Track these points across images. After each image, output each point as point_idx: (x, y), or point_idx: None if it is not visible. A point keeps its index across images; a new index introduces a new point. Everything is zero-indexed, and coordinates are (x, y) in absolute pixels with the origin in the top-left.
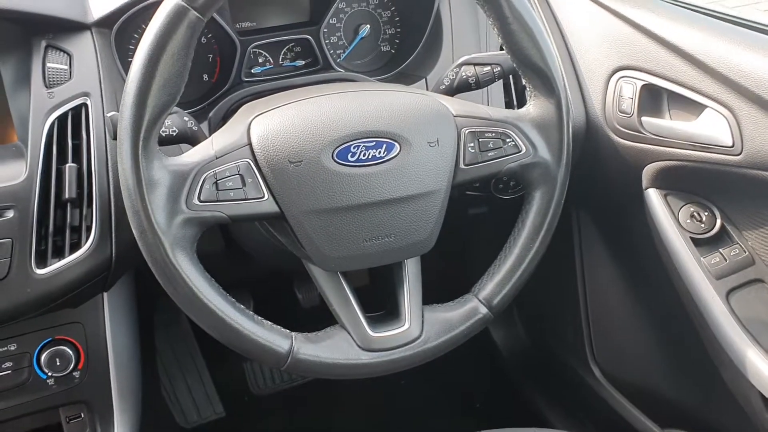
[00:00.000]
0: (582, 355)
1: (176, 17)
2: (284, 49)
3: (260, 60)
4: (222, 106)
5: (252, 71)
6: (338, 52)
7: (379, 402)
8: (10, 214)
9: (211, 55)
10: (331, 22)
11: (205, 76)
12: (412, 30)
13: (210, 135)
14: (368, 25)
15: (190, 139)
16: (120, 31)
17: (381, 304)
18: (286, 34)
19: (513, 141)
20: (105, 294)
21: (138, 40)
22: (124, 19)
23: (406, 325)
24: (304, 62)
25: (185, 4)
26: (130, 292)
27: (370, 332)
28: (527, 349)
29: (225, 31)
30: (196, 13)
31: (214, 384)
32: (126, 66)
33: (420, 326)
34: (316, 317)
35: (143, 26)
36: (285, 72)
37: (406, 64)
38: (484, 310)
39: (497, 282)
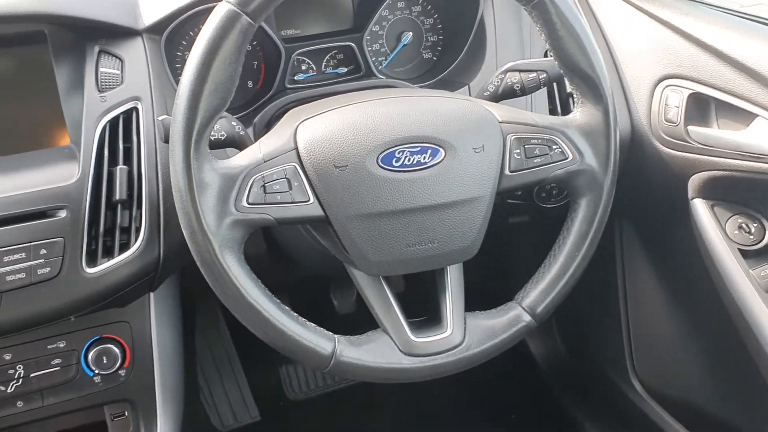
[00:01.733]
0: (622, 368)
1: (229, 22)
2: (327, 57)
3: (303, 67)
4: (266, 112)
5: (295, 78)
6: (380, 59)
7: (413, 410)
8: (62, 214)
9: (256, 62)
10: (373, 29)
11: (250, 83)
12: (454, 37)
13: (254, 140)
14: (411, 33)
15: (238, 143)
16: (169, 37)
17: (417, 309)
18: (329, 42)
19: (559, 148)
20: (152, 294)
21: (186, 47)
22: (173, 26)
23: (449, 332)
24: (346, 69)
25: (238, 10)
26: (175, 294)
27: (412, 337)
28: (565, 361)
29: (270, 39)
30: (248, 18)
31: (250, 388)
32: (174, 71)
33: (462, 333)
34: (350, 323)
35: (191, 33)
36: (327, 79)
37: (448, 71)
38: (527, 318)
39: (541, 290)
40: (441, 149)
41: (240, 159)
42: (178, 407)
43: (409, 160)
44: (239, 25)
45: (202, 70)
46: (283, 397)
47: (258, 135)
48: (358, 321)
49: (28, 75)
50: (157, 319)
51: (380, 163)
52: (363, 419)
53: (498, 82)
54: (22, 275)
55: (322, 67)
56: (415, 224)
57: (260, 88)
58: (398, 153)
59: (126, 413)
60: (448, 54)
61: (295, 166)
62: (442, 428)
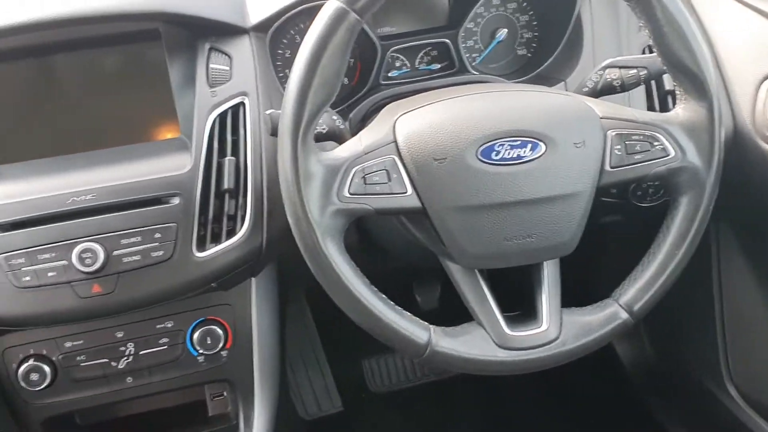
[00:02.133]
0: (717, 372)
1: (337, 19)
2: (421, 53)
3: (397, 64)
4: (361, 108)
5: (389, 75)
6: (474, 55)
7: (493, 409)
8: (176, 201)
9: (353, 60)
10: (468, 26)
11: (346, 80)
12: (549, 34)
13: (350, 135)
14: (505, 29)
15: (337, 136)
16: (274, 36)
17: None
18: (424, 39)
19: (661, 144)
20: (253, 279)
21: (287, 45)
22: (278, 24)
23: (544, 326)
24: (440, 66)
25: (346, 7)
26: (273, 281)
27: (507, 331)
28: (653, 363)
29: (367, 36)
30: (355, 15)
31: (333, 378)
32: (276, 69)
33: (558, 328)
34: (432, 319)
35: (291, 32)
36: (421, 75)
37: (543, 67)
38: (624, 315)
39: (639, 288)
40: (541, 143)
41: (342, 151)
42: (274, 390)
43: (509, 153)
44: (347, 22)
45: (311, 65)
46: (366, 389)
47: (353, 130)
48: (441, 317)
49: (142, 70)
50: (257, 303)
51: (480, 157)
52: (444, 416)
53: (597, 78)
54: (137, 257)
55: (416, 63)
56: (514, 218)
57: (355, 84)
58: (498, 146)
59: (224, 393)
60: (542, 50)
61: (394, 159)
62: (521, 428)
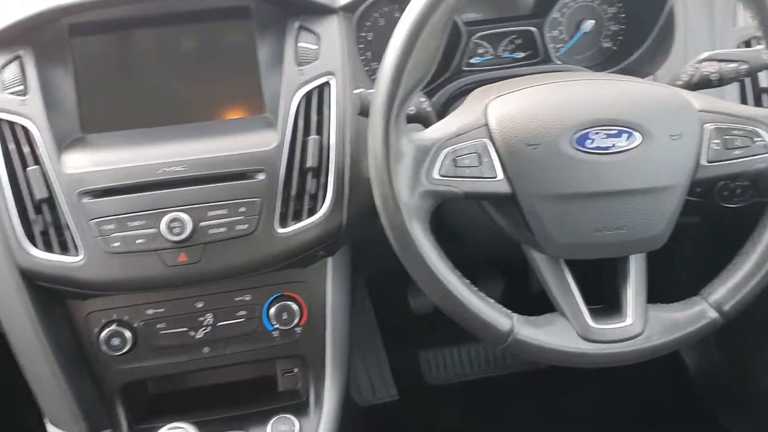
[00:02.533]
0: None
1: None
2: (505, 41)
3: (480, 51)
4: (444, 93)
5: (471, 61)
6: (558, 46)
7: (550, 409)
8: (261, 176)
9: None
10: (554, 15)
11: None
12: (638, 27)
13: (435, 119)
14: (592, 21)
15: (423, 119)
16: (359, 17)
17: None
18: (509, 26)
19: (763, 140)
20: (330, 259)
21: (369, 28)
22: (365, 6)
23: (629, 321)
24: (523, 54)
25: None
26: (348, 262)
27: (591, 323)
28: (723, 374)
29: (453, 21)
30: None
31: (390, 367)
32: (359, 50)
33: (643, 323)
34: None
35: (376, 14)
36: (503, 63)
37: (629, 60)
38: (713, 314)
39: (731, 287)
40: (637, 134)
41: (433, 132)
42: (344, 369)
43: (603, 142)
44: (446, 2)
45: (409, 43)
46: (422, 380)
47: (437, 115)
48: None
49: (231, 47)
50: (332, 283)
51: (574, 144)
52: (499, 412)
53: (693, 71)
54: (223, 229)
55: (499, 51)
56: (605, 209)
57: (438, 69)
58: (593, 134)
59: (295, 370)
60: (629, 43)
61: (485, 142)
62: (580, 427)
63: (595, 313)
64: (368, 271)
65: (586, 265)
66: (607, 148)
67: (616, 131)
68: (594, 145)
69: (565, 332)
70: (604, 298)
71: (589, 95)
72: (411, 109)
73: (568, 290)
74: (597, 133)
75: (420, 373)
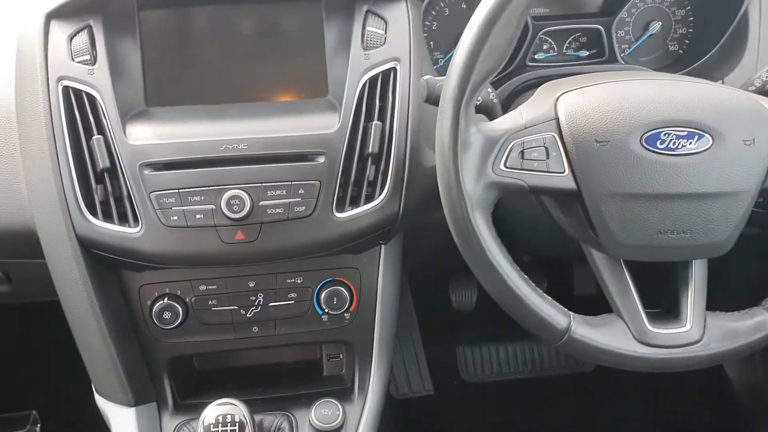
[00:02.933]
0: None
1: None
2: (570, 38)
3: (545, 47)
4: (507, 86)
5: (535, 56)
6: (623, 46)
7: (586, 413)
8: (321, 159)
9: None
10: (622, 15)
11: None
12: (707, 31)
13: (501, 112)
14: (659, 23)
15: (489, 111)
16: (427, 5)
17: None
18: (576, 23)
19: None
20: (383, 246)
21: (435, 17)
22: None
23: (687, 326)
24: (588, 53)
25: None
26: (399, 252)
27: (648, 326)
28: (765, 392)
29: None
30: None
31: (427, 362)
32: (425, 38)
33: (701, 330)
34: None
35: (442, 3)
36: (567, 60)
37: (697, 64)
38: None
39: None
40: (709, 136)
41: (502, 123)
42: (390, 358)
43: (674, 143)
44: None
45: (484, 30)
46: (458, 376)
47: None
48: None
49: (298, 29)
50: (384, 271)
51: (644, 143)
52: (534, 413)
53: (767, 77)
54: (281, 210)
55: (564, 48)
56: (671, 211)
57: None
58: (664, 135)
59: (341, 356)
60: (696, 47)
61: (554, 136)
62: None
63: (653, 317)
64: (411, 264)
65: (646, 268)
66: (677, 149)
67: (686, 132)
68: (664, 145)
69: (621, 334)
70: (663, 302)
71: (661, 95)
72: (478, 100)
73: (627, 292)
74: (668, 134)
75: (456, 369)
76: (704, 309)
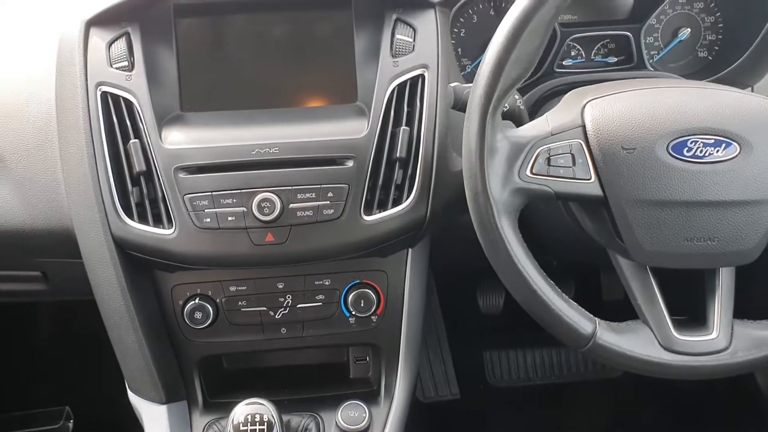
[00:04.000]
0: None
1: None
2: (598, 45)
3: (572, 53)
4: (534, 93)
5: (563, 63)
6: (652, 52)
7: (615, 418)
8: (350, 163)
9: None
10: (651, 22)
11: None
12: (737, 38)
13: (528, 118)
14: (688, 29)
15: (516, 117)
16: (455, 13)
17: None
18: (604, 30)
19: None
20: (410, 250)
21: (462, 24)
22: (462, 2)
23: (714, 334)
24: (616, 59)
25: None
26: (426, 255)
27: (674, 334)
28: None
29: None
30: None
31: (453, 365)
32: (452, 45)
33: (728, 338)
34: None
35: (470, 11)
36: (595, 67)
37: (726, 71)
38: None
39: None
40: (736, 144)
41: (528, 129)
42: (416, 361)
43: (701, 151)
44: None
45: (512, 38)
46: (484, 380)
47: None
48: None
49: (328, 36)
50: (411, 274)
51: (670, 151)
52: (559, 420)
53: None
54: (310, 213)
55: (592, 54)
56: (698, 219)
57: None
58: (690, 143)
59: (367, 358)
60: (725, 54)
61: (580, 143)
62: None
63: (679, 324)
64: (438, 266)
65: (672, 275)
66: (703, 157)
67: (713, 140)
68: (691, 153)
69: (647, 341)
70: (689, 310)
71: (688, 103)
72: (505, 106)
73: (653, 299)
74: (695, 142)
75: (483, 373)
76: (731, 317)
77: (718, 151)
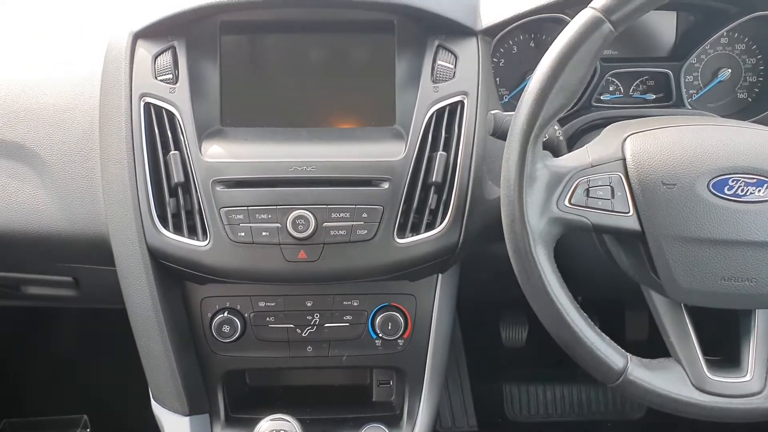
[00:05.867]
0: None
1: (591, 27)
2: (637, 81)
3: (611, 88)
4: (572, 125)
5: (601, 97)
6: (691, 91)
7: None
8: (385, 185)
9: None
10: (691, 61)
11: None
12: None
13: (566, 150)
14: (729, 70)
15: (554, 148)
16: (496, 42)
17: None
18: (644, 66)
19: None
20: (440, 276)
21: (503, 54)
22: (504, 32)
23: (748, 377)
24: (654, 96)
25: (602, 17)
26: (456, 282)
27: (707, 374)
28: None
29: None
30: (610, 26)
31: (472, 397)
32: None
33: (763, 381)
34: None
35: (511, 42)
36: (633, 103)
37: (766, 113)
38: None
39: None
40: None
41: (568, 160)
42: (439, 388)
43: (742, 190)
44: (600, 31)
45: (556, 68)
46: (502, 414)
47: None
48: None
49: (370, 59)
50: (440, 299)
51: (711, 188)
52: None
53: None
54: (343, 232)
55: (630, 90)
56: (736, 258)
57: None
58: (732, 181)
59: (391, 382)
60: (766, 96)
61: (620, 176)
62: None
63: (713, 365)
64: (463, 295)
65: (706, 313)
66: (744, 196)
67: (755, 180)
68: (732, 192)
69: (679, 380)
70: (723, 350)
71: (730, 141)
72: (544, 137)
73: (687, 337)
74: (736, 181)
75: (502, 407)
76: (766, 359)
77: (759, 190)
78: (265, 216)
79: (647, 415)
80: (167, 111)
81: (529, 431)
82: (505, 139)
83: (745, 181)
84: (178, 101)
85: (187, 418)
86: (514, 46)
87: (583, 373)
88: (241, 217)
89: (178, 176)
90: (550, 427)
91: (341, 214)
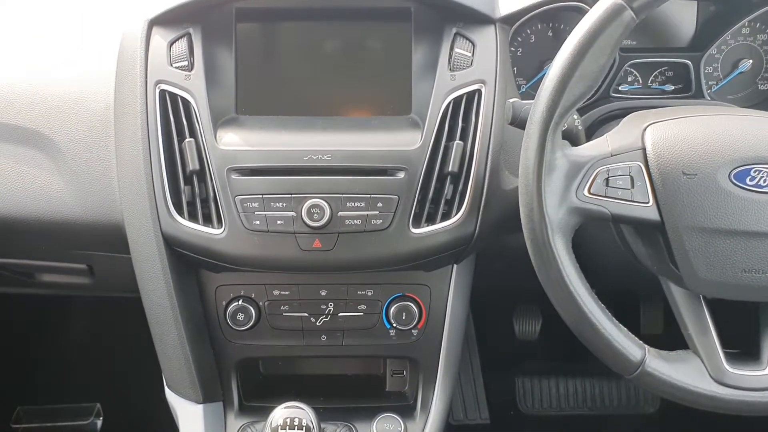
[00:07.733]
0: None
1: (612, 14)
2: (656, 72)
3: (629, 78)
4: (590, 116)
5: (619, 88)
6: (711, 83)
7: None
8: (401, 175)
9: None
10: (711, 51)
11: None
12: None
13: (585, 139)
14: (750, 61)
15: (573, 137)
16: (515, 31)
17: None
18: (664, 57)
19: None
20: (455, 266)
21: (520, 43)
22: (523, 20)
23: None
24: (673, 87)
25: (624, 3)
26: (471, 273)
27: (726, 366)
28: None
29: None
30: (631, 13)
31: (484, 389)
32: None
33: None
34: None
35: (528, 30)
36: (652, 94)
37: None
38: None
39: None
40: None
41: (588, 149)
42: (453, 379)
43: (764, 181)
44: (621, 19)
45: (576, 56)
46: (515, 407)
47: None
48: None
49: (387, 47)
50: (455, 290)
51: (732, 179)
52: None
53: None
54: (358, 221)
55: (649, 81)
56: (757, 250)
57: None
58: (754, 172)
59: (404, 372)
60: None
61: (640, 166)
62: None
63: (732, 357)
64: (477, 286)
65: (726, 305)
66: (765, 186)
67: None
68: (754, 182)
69: (697, 372)
70: (742, 343)
71: (752, 131)
72: (563, 126)
73: (705, 329)
74: (758, 171)
75: (514, 400)
76: None
77: None
78: (280, 204)
79: (661, 410)
80: (182, 98)
81: (542, 425)
82: (523, 128)
83: (767, 172)
84: (194, 88)
85: (200, 406)
86: (531, 36)
87: (596, 367)
88: (256, 205)
89: (193, 164)
90: (562, 420)
91: (356, 204)
